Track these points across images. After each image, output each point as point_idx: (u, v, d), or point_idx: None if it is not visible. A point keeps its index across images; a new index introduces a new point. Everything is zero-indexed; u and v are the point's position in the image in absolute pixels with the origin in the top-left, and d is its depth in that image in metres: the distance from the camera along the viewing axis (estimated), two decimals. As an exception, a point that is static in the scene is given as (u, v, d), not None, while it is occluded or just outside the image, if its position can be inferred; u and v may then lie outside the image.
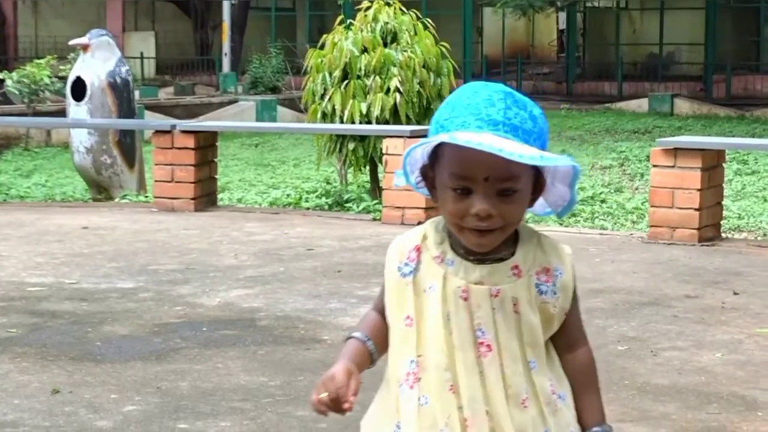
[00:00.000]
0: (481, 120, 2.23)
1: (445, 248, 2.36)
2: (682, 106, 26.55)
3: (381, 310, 2.44)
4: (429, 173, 2.36)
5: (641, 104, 27.09)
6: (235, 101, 26.60)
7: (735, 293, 7.10)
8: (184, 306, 6.77)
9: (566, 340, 2.40)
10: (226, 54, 33.32)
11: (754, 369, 5.46)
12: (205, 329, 6.22)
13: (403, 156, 2.35)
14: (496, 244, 2.30)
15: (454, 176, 2.26)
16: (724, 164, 9.42)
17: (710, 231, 9.06)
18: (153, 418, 4.74)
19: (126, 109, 13.12)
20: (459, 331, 2.31)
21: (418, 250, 2.37)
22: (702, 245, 8.78)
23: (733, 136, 18.61)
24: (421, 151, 2.33)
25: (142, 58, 35.04)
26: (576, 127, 22.92)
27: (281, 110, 25.37)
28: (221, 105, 26.16)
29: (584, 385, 2.41)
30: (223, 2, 33.55)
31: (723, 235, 9.48)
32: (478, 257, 2.32)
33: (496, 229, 2.27)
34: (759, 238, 10.16)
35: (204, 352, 5.75)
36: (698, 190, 8.88)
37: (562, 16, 37.02)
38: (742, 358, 5.65)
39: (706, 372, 5.42)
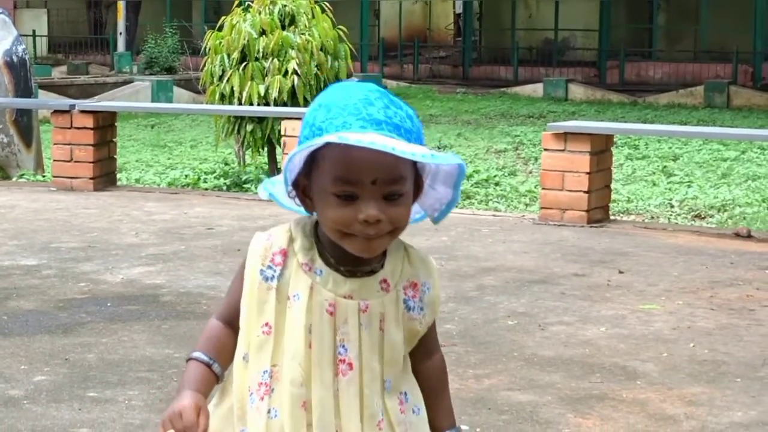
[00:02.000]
0: (363, 120, 2.10)
1: (313, 255, 2.23)
2: (577, 91, 27.05)
3: (227, 320, 2.32)
4: (302, 181, 2.20)
5: (536, 89, 27.54)
6: (130, 81, 26.51)
7: (620, 272, 7.42)
8: (87, 282, 6.91)
9: (424, 350, 2.34)
10: (121, 33, 33.18)
11: (635, 342, 5.77)
12: (109, 304, 6.38)
13: (284, 164, 2.17)
14: (383, 249, 2.20)
15: (339, 180, 2.11)
16: (612, 149, 9.75)
17: (599, 213, 9.39)
18: (63, 387, 4.90)
19: (23, 88, 13.13)
20: (320, 345, 2.20)
21: (284, 254, 2.23)
22: (591, 226, 9.10)
23: (626, 122, 19.05)
24: (299, 156, 2.15)
25: (34, 36, 34.72)
26: (472, 111, 23.27)
27: (177, 91, 25.36)
28: (116, 85, 26.05)
29: (437, 390, 2.37)
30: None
31: (612, 217, 9.82)
32: (349, 268, 2.21)
33: (384, 234, 2.15)
34: (646, 220, 10.53)
35: (109, 326, 5.91)
36: (587, 173, 9.19)
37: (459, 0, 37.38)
38: (624, 332, 5.95)
39: (590, 345, 5.71)
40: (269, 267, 2.22)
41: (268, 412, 2.22)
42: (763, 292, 6.87)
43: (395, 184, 2.12)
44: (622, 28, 32.09)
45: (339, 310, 2.20)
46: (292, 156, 2.13)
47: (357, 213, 2.11)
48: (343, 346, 2.21)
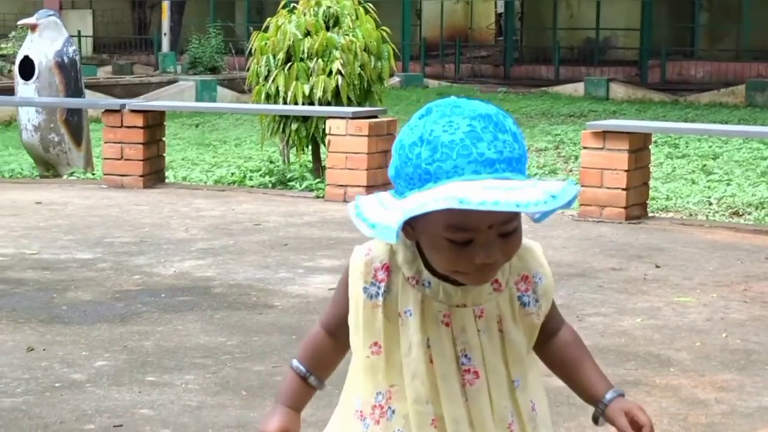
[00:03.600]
0: (475, 163, 1.95)
1: (419, 267, 2.13)
2: (618, 90, 27.16)
3: (330, 329, 2.26)
4: None
5: (577, 88, 27.66)
6: (174, 81, 26.84)
7: (657, 266, 7.62)
8: (141, 275, 7.18)
9: (547, 331, 2.27)
10: (165, 33, 33.49)
11: (669, 332, 5.98)
12: (163, 296, 6.64)
13: (400, 219, 1.96)
14: (496, 275, 2.13)
15: (453, 228, 1.99)
16: (651, 147, 9.94)
17: (637, 210, 9.58)
18: (123, 372, 5.17)
19: (73, 88, 13.44)
20: (442, 359, 2.12)
21: (387, 269, 2.14)
22: (629, 223, 9.29)
23: (666, 121, 19.17)
24: (414, 212, 1.95)
25: (79, 36, 35.10)
26: (513, 110, 23.44)
27: (221, 90, 25.67)
28: (160, 85, 26.39)
29: (578, 358, 2.28)
30: (163, -19, 33.72)
31: (650, 214, 10.01)
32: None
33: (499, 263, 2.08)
34: (684, 218, 10.70)
35: (164, 316, 6.17)
36: (625, 171, 9.39)
37: None
38: (659, 323, 6.16)
39: (626, 335, 5.92)
40: (372, 284, 2.14)
41: None
42: (796, 286, 7.06)
43: (510, 222, 2.02)
44: (663, 27, 32.16)
45: (455, 320, 2.13)
46: (409, 212, 1.94)
47: (473, 257, 2.00)
48: (466, 356, 2.13)
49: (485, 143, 1.96)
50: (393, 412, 2.14)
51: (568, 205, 2.01)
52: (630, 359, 5.48)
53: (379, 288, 2.13)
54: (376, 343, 2.14)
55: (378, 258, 2.14)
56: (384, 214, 2.00)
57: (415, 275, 2.12)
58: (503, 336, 2.16)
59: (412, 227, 2.06)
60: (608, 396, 2.26)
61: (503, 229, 2.01)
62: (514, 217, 2.01)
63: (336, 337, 2.24)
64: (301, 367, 2.27)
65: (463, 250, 2.00)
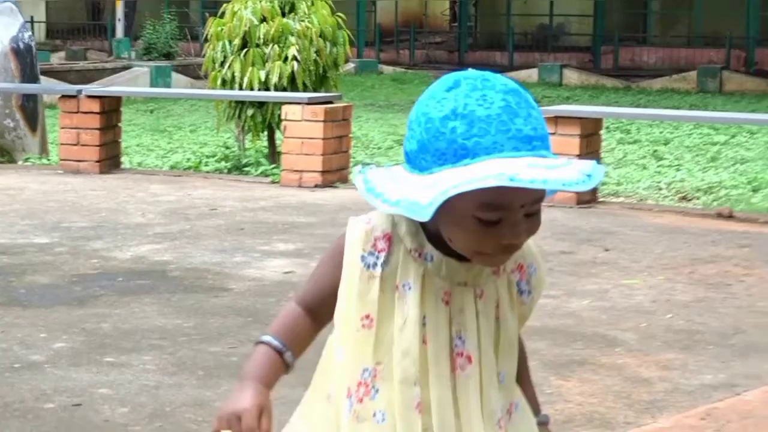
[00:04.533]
0: (515, 139, 1.88)
1: (422, 240, 2.02)
2: (571, 76, 27.39)
3: (308, 306, 2.11)
4: None
5: (531, 74, 27.85)
6: (129, 67, 26.75)
7: (606, 250, 7.78)
8: (98, 259, 7.27)
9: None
10: (119, 19, 33.40)
11: (617, 313, 6.14)
12: (120, 279, 6.74)
13: (439, 195, 1.87)
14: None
15: (486, 206, 1.89)
16: (601, 132, 10.11)
17: (588, 194, 9.72)
18: (81, 353, 5.27)
19: (29, 74, 13.45)
20: (435, 339, 2.01)
21: (389, 239, 2.02)
22: (580, 207, 9.45)
23: (618, 106, 19.37)
24: (456, 189, 1.86)
25: (32, 22, 34.87)
26: (466, 96, 23.55)
27: (175, 76, 25.62)
28: (115, 70, 26.29)
29: (523, 370, 2.19)
30: (117, -33, 33.63)
31: (601, 199, 10.17)
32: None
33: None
34: (634, 202, 10.88)
35: (121, 299, 6.27)
36: (577, 155, 9.54)
37: (455, -14, 37.70)
38: (606, 305, 6.32)
39: (574, 316, 6.08)
40: (371, 253, 2.02)
41: (374, 415, 2.02)
42: (741, 269, 7.24)
43: (539, 201, 1.93)
44: (616, 14, 32.41)
45: (454, 299, 2.02)
46: (449, 190, 1.85)
47: (500, 238, 1.92)
48: (460, 338, 2.02)
49: (521, 119, 1.90)
50: (377, 391, 2.02)
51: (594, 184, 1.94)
52: (577, 339, 5.64)
53: (377, 258, 2.02)
54: (368, 316, 2.02)
55: (379, 227, 2.03)
56: (407, 190, 1.91)
57: (418, 248, 2.01)
58: (499, 323, 2.06)
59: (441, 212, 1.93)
60: (538, 419, 2.21)
61: (531, 209, 1.92)
62: (543, 196, 1.93)
63: (314, 315, 2.11)
64: (276, 342, 2.08)
65: (490, 230, 1.91)
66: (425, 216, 1.86)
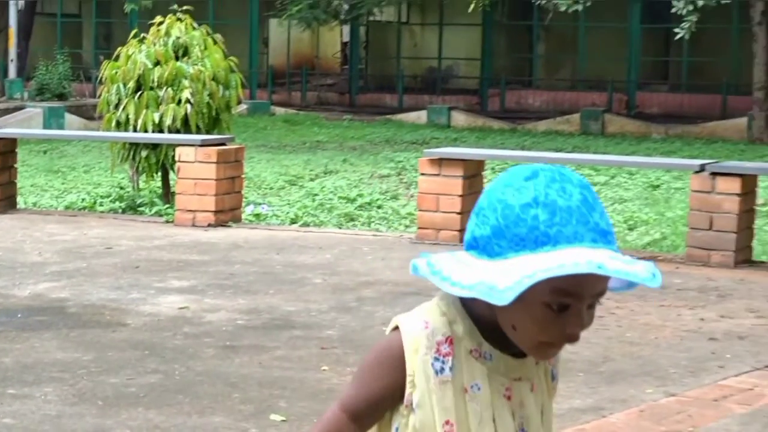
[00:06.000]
0: (593, 231, 1.90)
1: (478, 339, 2.02)
2: (459, 118, 27.94)
3: (355, 415, 2.04)
4: None
5: (420, 116, 28.35)
6: (21, 107, 26.77)
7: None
8: (-3, 297, 7.51)
9: None
10: (12, 60, 33.36)
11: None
12: (19, 315, 6.99)
13: (525, 278, 1.86)
14: None
15: (559, 292, 1.89)
16: (483, 173, 10.55)
17: (471, 233, 10.15)
18: (-15, 384, 5.53)
19: None
20: None
21: (451, 342, 2.01)
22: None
23: (504, 148, 19.88)
24: (545, 273, 1.86)
25: (-76, 62, 34.74)
26: (358, 137, 24.00)
27: (69, 117, 25.70)
28: (7, 111, 26.29)
29: None
30: (9, 6, 33.57)
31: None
32: (514, 349, 2.01)
33: None
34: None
35: (21, 335, 6.52)
36: (460, 196, 9.98)
37: (346, 29, 38.12)
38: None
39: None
40: (436, 359, 2.00)
41: None
42: (613, 302, 7.67)
43: (601, 295, 1.95)
44: (503, 57, 33.10)
45: (514, 394, 2.03)
46: (533, 274, 1.86)
47: (564, 326, 1.92)
48: (523, 430, 2.04)
49: (597, 213, 1.91)
50: None
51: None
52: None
53: (444, 363, 2.00)
54: (448, 422, 2.00)
55: (439, 330, 2.01)
56: (480, 274, 1.92)
57: (477, 348, 2.01)
58: (543, 412, 2.08)
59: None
60: None
61: (596, 300, 1.94)
62: (605, 291, 1.95)
63: (360, 423, 2.05)
64: None
65: (557, 318, 1.91)
66: (505, 300, 1.86)
